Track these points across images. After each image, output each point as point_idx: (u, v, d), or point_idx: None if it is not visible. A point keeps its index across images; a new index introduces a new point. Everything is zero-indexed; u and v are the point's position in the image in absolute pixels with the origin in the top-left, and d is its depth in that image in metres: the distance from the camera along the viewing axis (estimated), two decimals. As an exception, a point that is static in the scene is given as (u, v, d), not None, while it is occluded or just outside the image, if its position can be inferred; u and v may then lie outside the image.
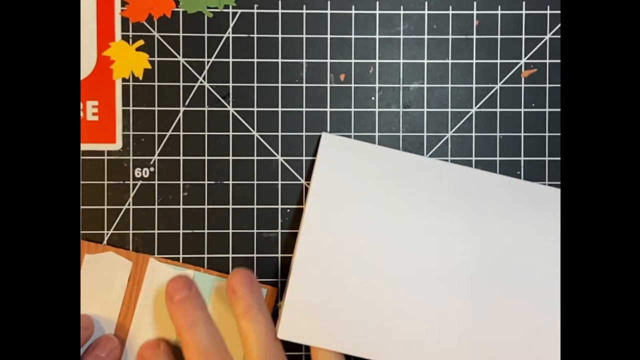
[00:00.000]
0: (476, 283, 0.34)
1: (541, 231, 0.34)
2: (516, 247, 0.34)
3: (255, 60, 0.36)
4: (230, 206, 0.36)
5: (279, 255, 0.36)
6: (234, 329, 0.33)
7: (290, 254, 0.35)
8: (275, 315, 0.35)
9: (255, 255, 0.36)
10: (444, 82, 0.36)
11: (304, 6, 0.36)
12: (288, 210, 0.36)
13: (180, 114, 0.36)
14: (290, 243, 0.36)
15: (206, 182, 0.36)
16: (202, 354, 0.31)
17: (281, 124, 0.36)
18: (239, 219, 0.36)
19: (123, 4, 0.35)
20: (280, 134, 0.36)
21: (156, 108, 0.36)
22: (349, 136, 0.36)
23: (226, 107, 0.36)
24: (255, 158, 0.36)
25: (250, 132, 0.36)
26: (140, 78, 0.35)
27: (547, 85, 0.36)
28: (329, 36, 0.36)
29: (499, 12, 0.36)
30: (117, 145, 0.35)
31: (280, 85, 0.36)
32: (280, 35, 0.36)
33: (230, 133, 0.36)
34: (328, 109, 0.36)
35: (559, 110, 0.36)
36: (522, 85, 0.36)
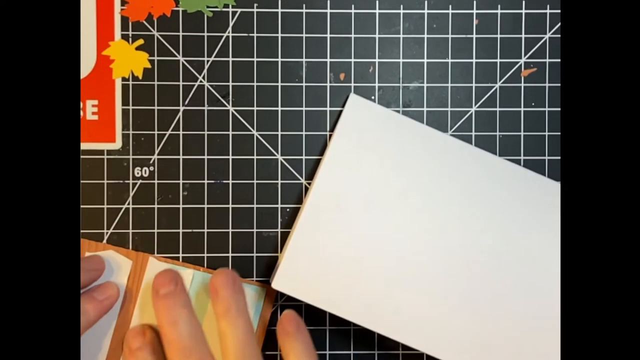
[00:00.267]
0: (479, 264, 0.33)
1: (550, 225, 0.34)
2: (524, 236, 0.34)
3: (255, 59, 0.36)
4: (230, 205, 0.36)
5: (279, 254, 0.36)
6: None
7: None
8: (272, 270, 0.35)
9: (255, 254, 0.36)
10: (443, 81, 0.36)
11: (304, 5, 0.36)
12: (288, 210, 0.36)
13: (180, 113, 0.36)
14: (290, 242, 0.36)
15: (206, 182, 0.36)
16: (182, 351, 0.31)
17: (281, 123, 0.36)
18: (239, 218, 0.36)
19: (123, 3, 0.35)
20: (280, 133, 0.36)
21: (156, 107, 0.36)
22: (349, 135, 0.36)
23: (226, 106, 0.36)
24: (255, 157, 0.36)
25: (250, 131, 0.36)
26: (140, 77, 0.35)
27: (547, 85, 0.36)
28: (328, 35, 0.36)
29: (499, 11, 0.36)
30: (117, 144, 0.35)
31: (280, 84, 0.36)
32: (280, 35, 0.36)
33: (230, 132, 0.36)
34: (328, 108, 0.36)
35: (559, 109, 0.36)
36: (522, 85, 0.36)
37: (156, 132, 0.36)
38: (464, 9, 0.36)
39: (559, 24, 0.36)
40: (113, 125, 0.35)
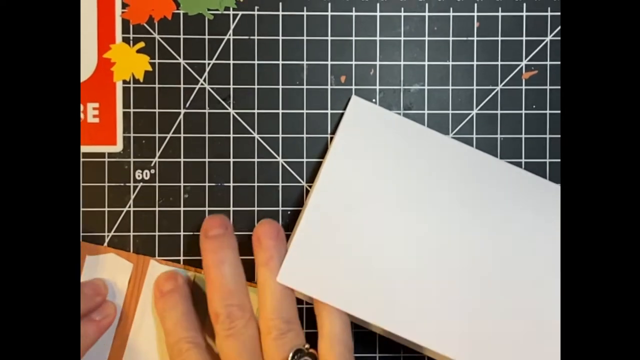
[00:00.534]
0: (480, 265, 0.33)
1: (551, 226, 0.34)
2: (525, 237, 0.34)
3: (256, 62, 0.36)
4: (231, 208, 0.36)
5: (280, 257, 0.36)
6: None
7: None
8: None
9: (256, 257, 0.35)
10: (444, 84, 0.36)
11: (305, 8, 0.36)
12: (289, 212, 0.36)
13: (181, 116, 0.36)
14: (291, 245, 0.36)
15: (207, 184, 0.36)
16: (224, 293, 0.31)
17: (282, 126, 0.36)
18: (240, 221, 0.36)
19: (124, 6, 0.35)
20: (280, 136, 0.36)
21: (157, 110, 0.36)
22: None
23: (227, 109, 0.36)
24: (256, 160, 0.36)
25: (251, 134, 0.36)
26: (141, 80, 0.35)
27: (548, 87, 0.36)
28: (329, 38, 0.36)
29: (500, 14, 0.36)
30: (118, 147, 0.35)
31: (281, 87, 0.36)
32: (280, 37, 0.36)
33: (231, 135, 0.36)
34: (329, 111, 0.36)
35: (560, 112, 0.36)
36: (523, 87, 0.36)
37: (157, 135, 0.36)
38: (465, 12, 0.36)
39: (560, 27, 0.36)
40: (114, 128, 0.35)
